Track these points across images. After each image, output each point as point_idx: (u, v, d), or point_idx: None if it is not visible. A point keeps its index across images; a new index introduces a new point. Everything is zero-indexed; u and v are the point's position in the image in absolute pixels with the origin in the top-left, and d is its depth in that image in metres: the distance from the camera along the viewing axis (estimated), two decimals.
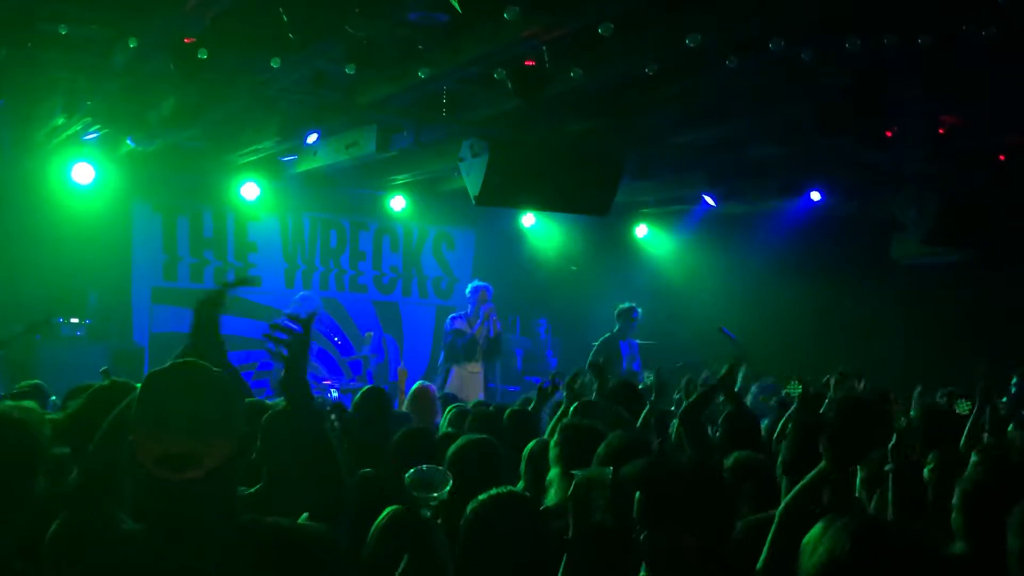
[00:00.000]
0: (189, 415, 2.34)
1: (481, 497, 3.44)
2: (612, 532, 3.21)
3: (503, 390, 12.15)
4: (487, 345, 11.90)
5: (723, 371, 6.19)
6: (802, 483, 3.50)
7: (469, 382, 11.74)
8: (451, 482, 3.16)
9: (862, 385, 8.29)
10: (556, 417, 6.20)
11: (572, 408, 6.13)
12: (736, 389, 6.58)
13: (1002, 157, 10.13)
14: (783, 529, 3.32)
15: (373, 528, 3.88)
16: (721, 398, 6.22)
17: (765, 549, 3.34)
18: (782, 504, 3.52)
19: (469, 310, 12.08)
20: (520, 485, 4.84)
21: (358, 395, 6.48)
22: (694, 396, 5.55)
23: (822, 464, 3.52)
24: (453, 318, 12.16)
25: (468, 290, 12.34)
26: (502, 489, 3.43)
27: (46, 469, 3.03)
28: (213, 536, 2.37)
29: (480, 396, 11.00)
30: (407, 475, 3.15)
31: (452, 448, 4.67)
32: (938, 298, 12.25)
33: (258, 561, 2.38)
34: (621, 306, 12.14)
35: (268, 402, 5.25)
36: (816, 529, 2.62)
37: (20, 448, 2.93)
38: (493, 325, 11.90)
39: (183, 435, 2.32)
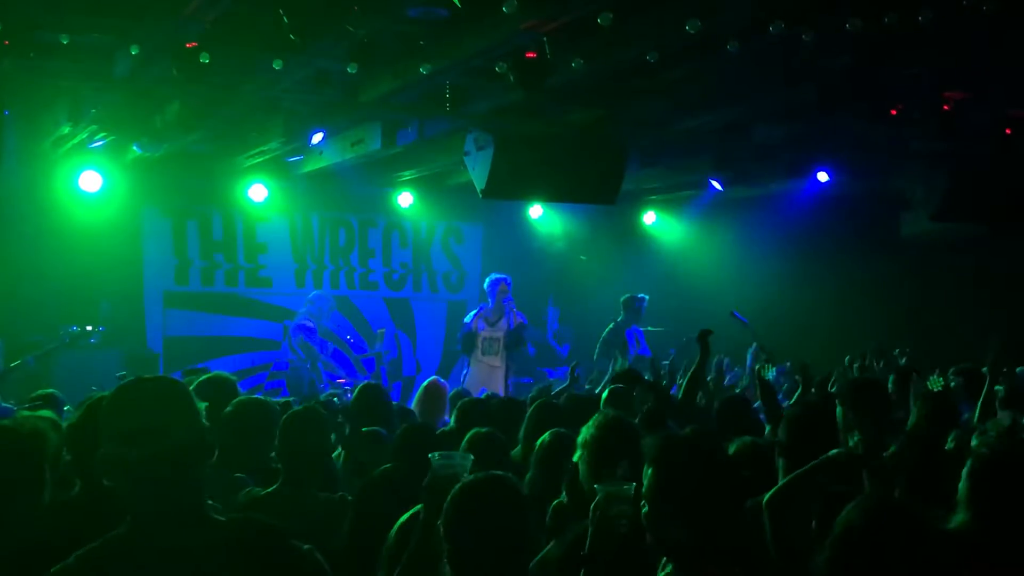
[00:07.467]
0: (148, 396, 2.54)
1: (466, 479, 3.33)
2: (631, 548, 3.17)
3: (516, 382, 12.11)
4: (508, 338, 11.80)
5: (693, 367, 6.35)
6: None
7: (489, 376, 11.69)
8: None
9: (904, 360, 8.26)
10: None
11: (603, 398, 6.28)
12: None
13: (1008, 131, 10.11)
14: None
15: (394, 528, 3.91)
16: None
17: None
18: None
19: (491, 303, 12.07)
20: (528, 477, 4.80)
21: (355, 392, 6.60)
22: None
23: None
24: (472, 315, 12.16)
25: (486, 283, 12.22)
26: (486, 474, 3.34)
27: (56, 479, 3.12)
28: (187, 523, 2.48)
29: (499, 390, 10.89)
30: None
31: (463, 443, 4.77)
32: (949, 273, 12.22)
33: (232, 557, 2.47)
34: (626, 295, 12.13)
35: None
36: None
37: (24, 460, 3.02)
38: (514, 316, 11.83)
39: (144, 409, 2.49)
